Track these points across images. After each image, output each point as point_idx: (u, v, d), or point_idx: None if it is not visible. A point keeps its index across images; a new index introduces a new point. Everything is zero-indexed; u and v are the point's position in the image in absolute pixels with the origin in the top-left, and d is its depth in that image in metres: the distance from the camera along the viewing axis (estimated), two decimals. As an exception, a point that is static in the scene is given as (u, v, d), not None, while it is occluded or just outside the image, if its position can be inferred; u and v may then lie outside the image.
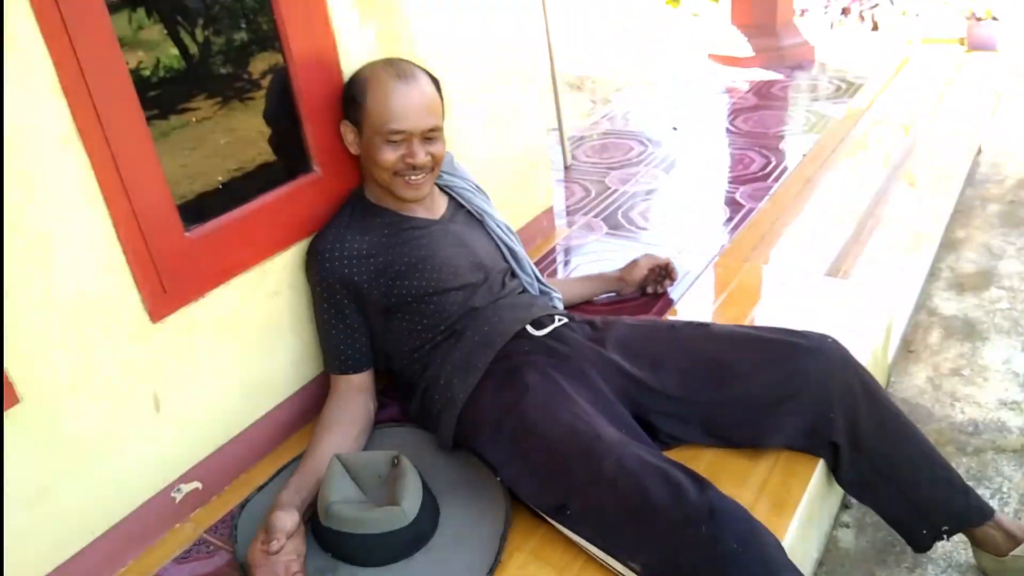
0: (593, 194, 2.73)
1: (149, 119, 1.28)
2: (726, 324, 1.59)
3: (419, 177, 1.50)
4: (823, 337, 1.43)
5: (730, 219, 2.42)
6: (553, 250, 2.34)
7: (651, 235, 2.39)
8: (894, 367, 2.13)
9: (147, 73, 1.30)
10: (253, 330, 1.52)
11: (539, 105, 2.27)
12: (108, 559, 1.34)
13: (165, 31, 1.33)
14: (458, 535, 1.32)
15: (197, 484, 1.47)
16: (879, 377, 1.63)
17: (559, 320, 1.54)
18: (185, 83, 1.39)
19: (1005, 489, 1.72)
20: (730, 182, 2.72)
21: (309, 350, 1.64)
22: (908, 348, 2.22)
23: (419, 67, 1.52)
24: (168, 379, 1.38)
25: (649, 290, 1.97)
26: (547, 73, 2.87)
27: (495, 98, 2.05)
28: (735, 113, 3.45)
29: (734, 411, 1.41)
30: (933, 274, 2.56)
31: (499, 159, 2.11)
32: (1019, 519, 1.63)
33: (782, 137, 3.12)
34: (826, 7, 5.21)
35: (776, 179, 2.69)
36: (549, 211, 2.41)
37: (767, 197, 2.55)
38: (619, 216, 2.54)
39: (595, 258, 2.27)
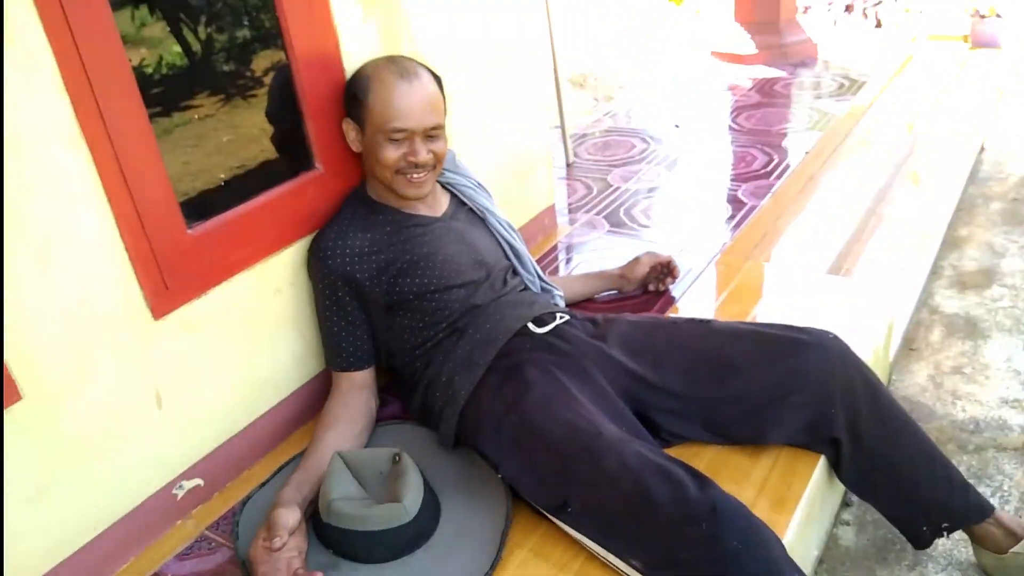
0: (595, 192, 2.73)
1: (152, 116, 1.28)
2: (727, 321, 1.59)
3: (421, 175, 1.50)
4: (824, 333, 1.43)
5: (732, 217, 2.42)
6: (555, 248, 2.34)
7: (653, 233, 2.39)
8: (896, 365, 2.13)
9: (150, 70, 1.31)
10: (255, 327, 1.52)
11: (541, 102, 2.27)
12: (110, 556, 1.35)
13: (168, 28, 1.33)
14: (459, 532, 1.32)
15: (199, 481, 1.47)
16: (880, 375, 1.63)
17: (561, 317, 1.54)
18: (188, 80, 1.39)
19: (1006, 487, 1.72)
20: (732, 180, 2.71)
21: (311, 347, 1.64)
22: (910, 346, 2.22)
23: (421, 64, 1.52)
24: (170, 376, 1.38)
25: (651, 288, 1.97)
26: (549, 70, 2.87)
27: (497, 95, 2.05)
28: (737, 111, 3.44)
29: (735, 407, 1.41)
30: (935, 272, 2.56)
31: (501, 156, 2.11)
32: (1020, 517, 1.63)
33: (784, 135, 3.11)
34: (829, 4, 5.20)
35: (778, 177, 2.68)
36: (551, 209, 2.41)
37: (769, 195, 2.55)
38: (621, 214, 2.54)
39: (597, 256, 2.26)
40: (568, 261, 2.28)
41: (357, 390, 1.55)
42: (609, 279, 1.97)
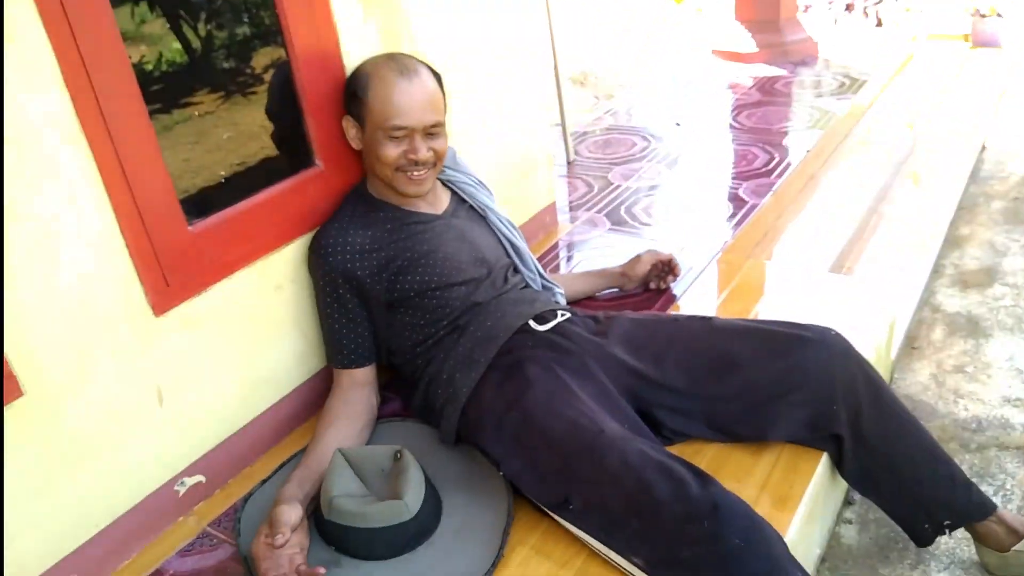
0: (596, 190, 2.73)
1: (152, 113, 1.28)
2: (729, 318, 1.58)
3: (421, 172, 1.50)
4: (826, 330, 1.43)
5: (733, 215, 2.42)
6: (556, 245, 2.34)
7: (654, 231, 2.39)
8: (898, 364, 2.13)
9: (150, 67, 1.30)
10: (256, 324, 1.52)
11: (541, 101, 2.26)
12: (111, 552, 1.35)
13: (168, 25, 1.33)
14: (460, 530, 1.32)
15: (200, 478, 1.47)
16: (883, 373, 1.62)
17: (562, 315, 1.53)
18: (188, 77, 1.39)
19: (1008, 486, 1.72)
20: (733, 178, 2.71)
21: (312, 344, 1.64)
22: (912, 345, 2.22)
23: (421, 62, 1.52)
24: (171, 373, 1.38)
25: (652, 286, 1.97)
26: (550, 69, 2.86)
27: (497, 94, 2.05)
28: (738, 109, 3.44)
29: (737, 404, 1.41)
30: (937, 271, 2.56)
31: (502, 154, 2.11)
32: (1022, 515, 1.63)
33: (785, 133, 3.11)
34: (830, 3, 5.19)
35: (779, 175, 2.68)
36: (552, 207, 2.41)
37: (770, 193, 2.54)
38: (622, 212, 2.54)
39: (597, 254, 2.26)
40: (569, 259, 2.28)
41: (358, 387, 1.55)
42: (610, 277, 1.97)
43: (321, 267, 1.51)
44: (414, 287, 1.50)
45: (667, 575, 1.14)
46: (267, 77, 1.50)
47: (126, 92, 1.23)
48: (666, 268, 1.96)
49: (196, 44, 1.39)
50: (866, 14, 5.05)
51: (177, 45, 1.35)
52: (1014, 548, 1.42)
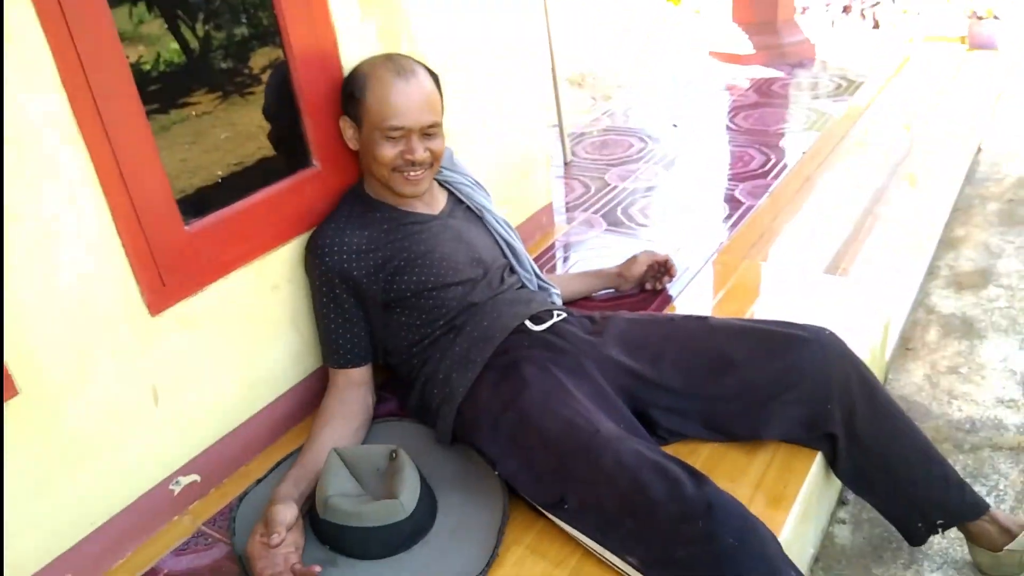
0: (593, 190, 2.74)
1: (149, 113, 1.28)
2: (725, 317, 1.59)
3: (418, 173, 1.50)
4: (821, 330, 1.43)
5: (729, 216, 2.42)
6: (552, 246, 2.35)
7: (650, 232, 2.39)
8: (892, 364, 2.14)
9: (147, 67, 1.31)
10: (252, 324, 1.52)
11: (539, 102, 2.27)
12: (107, 550, 1.35)
13: (165, 25, 1.33)
14: (456, 529, 1.32)
15: (196, 477, 1.47)
16: (877, 374, 1.63)
17: (558, 315, 1.54)
18: (185, 77, 1.39)
19: (1002, 486, 1.73)
20: (730, 179, 2.72)
21: (308, 344, 1.64)
22: (906, 346, 2.22)
23: (418, 63, 1.52)
24: (167, 372, 1.39)
25: (648, 287, 1.98)
26: (547, 69, 2.87)
27: (495, 95, 2.05)
28: (735, 110, 3.45)
29: (732, 403, 1.42)
30: (932, 272, 2.57)
31: (499, 155, 2.11)
32: (1015, 515, 1.63)
33: (782, 135, 3.12)
34: (827, 5, 5.21)
35: (776, 177, 2.69)
36: (548, 207, 2.41)
37: (766, 195, 2.55)
38: (618, 213, 2.54)
39: (594, 254, 2.27)
40: (565, 260, 2.28)
41: (354, 387, 1.55)
42: (606, 278, 1.98)
43: (318, 267, 1.51)
44: (410, 287, 1.50)
45: (662, 574, 1.14)
46: (265, 77, 1.51)
47: (124, 92, 1.23)
48: (662, 269, 1.96)
49: (194, 44, 1.39)
50: (863, 16, 5.07)
51: (175, 45, 1.36)
52: (1007, 547, 1.43)
